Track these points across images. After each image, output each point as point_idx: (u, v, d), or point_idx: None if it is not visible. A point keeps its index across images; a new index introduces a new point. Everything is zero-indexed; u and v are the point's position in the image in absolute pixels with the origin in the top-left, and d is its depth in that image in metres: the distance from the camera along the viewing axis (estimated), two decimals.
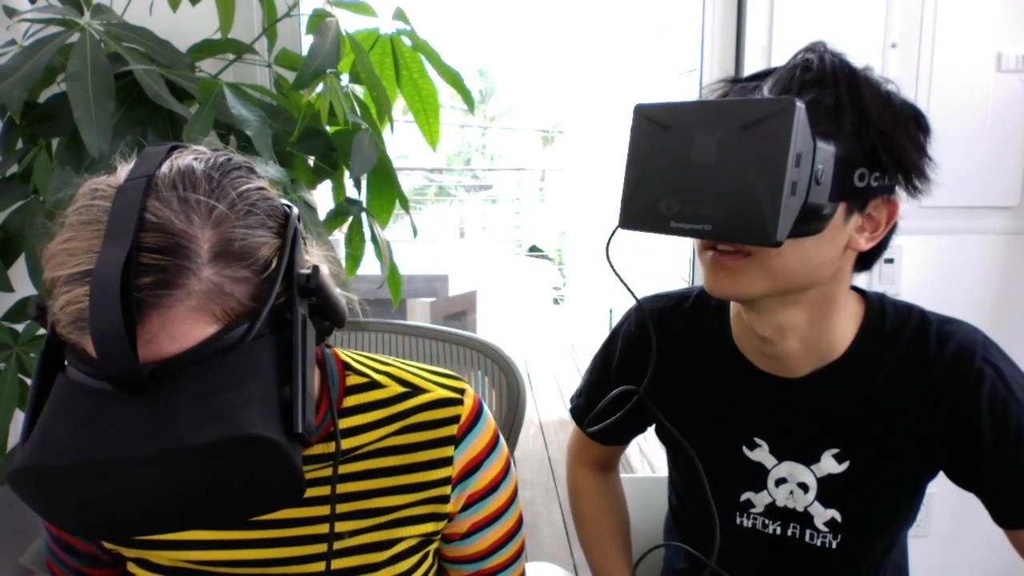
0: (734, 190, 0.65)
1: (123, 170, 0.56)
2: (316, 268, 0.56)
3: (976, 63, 1.59)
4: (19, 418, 1.29)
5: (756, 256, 0.73)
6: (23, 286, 1.25)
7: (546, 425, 3.70)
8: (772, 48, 1.58)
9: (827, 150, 0.68)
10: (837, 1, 1.56)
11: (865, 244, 0.77)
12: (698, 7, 1.74)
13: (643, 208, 0.71)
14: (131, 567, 0.72)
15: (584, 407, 1.04)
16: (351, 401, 0.71)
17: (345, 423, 0.70)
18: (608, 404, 0.99)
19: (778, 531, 0.88)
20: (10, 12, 1.32)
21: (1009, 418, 0.77)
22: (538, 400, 4.01)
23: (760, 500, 0.89)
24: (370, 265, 1.50)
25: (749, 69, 1.57)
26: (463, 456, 0.72)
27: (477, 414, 0.73)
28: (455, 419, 0.72)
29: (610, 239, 0.83)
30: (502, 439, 0.76)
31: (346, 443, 0.69)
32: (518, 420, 1.15)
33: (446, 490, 0.71)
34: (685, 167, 0.68)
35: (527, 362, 4.76)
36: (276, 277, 0.53)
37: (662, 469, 1.03)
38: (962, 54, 1.58)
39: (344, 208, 1.41)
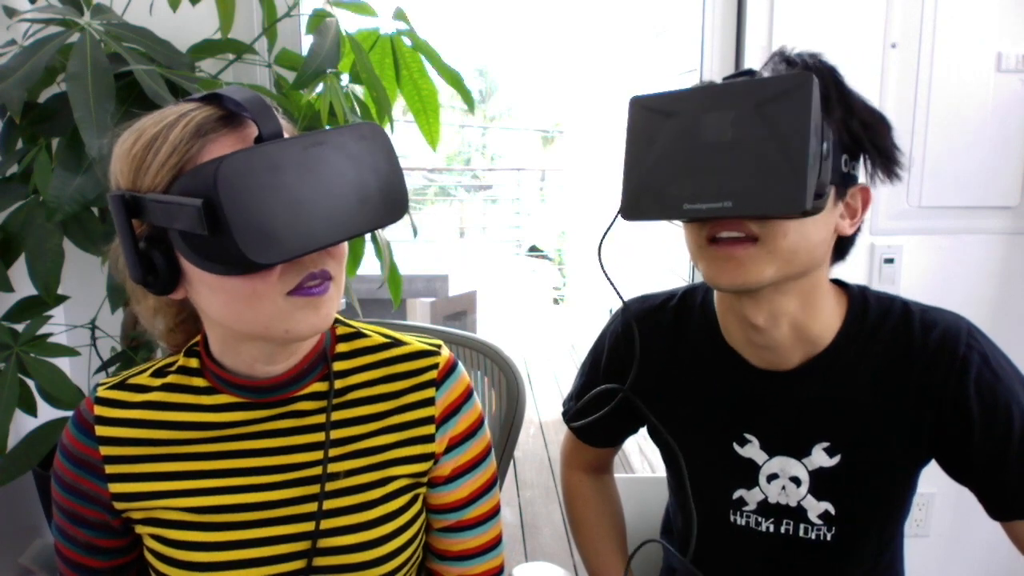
0: (756, 164, 0.66)
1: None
2: None
3: (976, 63, 1.59)
4: (19, 418, 1.29)
5: (763, 241, 0.74)
6: (23, 286, 1.25)
7: (546, 425, 3.70)
8: (772, 48, 1.57)
9: (828, 129, 0.72)
10: (837, 1, 1.56)
11: (848, 229, 0.81)
12: (698, 7, 1.74)
13: (649, 196, 0.71)
14: (140, 529, 0.75)
15: (575, 411, 1.05)
16: (342, 347, 0.79)
17: (338, 366, 0.78)
18: (593, 401, 0.99)
19: (771, 528, 0.88)
20: (10, 12, 1.32)
21: (998, 402, 0.78)
22: (538, 400, 4.01)
23: (752, 497, 0.89)
24: (370, 265, 1.50)
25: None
26: (444, 398, 0.79)
27: (453, 364, 0.81)
28: (434, 366, 0.79)
29: (603, 237, 0.84)
30: (476, 396, 0.83)
31: (340, 383, 0.77)
32: (518, 420, 1.15)
33: (430, 429, 0.78)
34: (695, 149, 0.69)
35: (527, 362, 4.76)
36: None
37: (661, 469, 1.03)
38: (962, 54, 1.58)
39: None
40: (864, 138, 0.76)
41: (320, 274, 0.65)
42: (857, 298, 0.85)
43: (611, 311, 1.05)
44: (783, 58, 0.79)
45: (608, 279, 0.86)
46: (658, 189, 0.70)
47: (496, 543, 0.84)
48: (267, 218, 0.58)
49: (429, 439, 0.78)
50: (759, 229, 0.73)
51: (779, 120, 0.66)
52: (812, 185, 0.66)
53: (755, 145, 0.67)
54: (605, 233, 0.83)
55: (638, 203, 0.72)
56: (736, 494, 0.89)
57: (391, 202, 0.66)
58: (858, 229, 0.83)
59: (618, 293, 0.89)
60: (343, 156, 0.63)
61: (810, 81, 0.65)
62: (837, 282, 0.87)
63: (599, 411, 0.98)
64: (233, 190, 0.57)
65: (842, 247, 0.84)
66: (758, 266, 0.74)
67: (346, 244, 0.69)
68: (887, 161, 0.79)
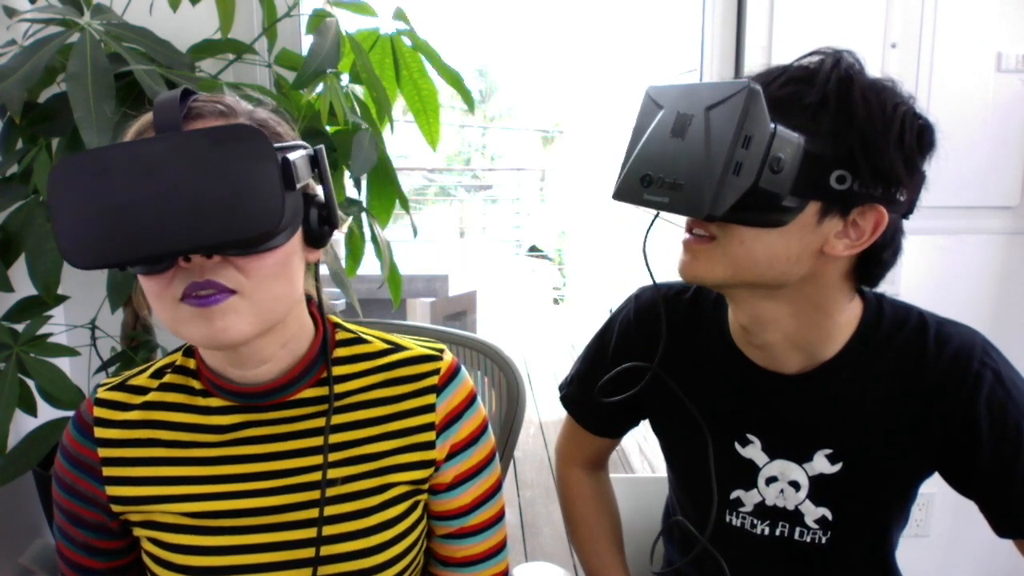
0: (690, 166, 0.69)
1: None
2: None
3: (976, 63, 1.59)
4: (19, 418, 1.29)
5: (719, 241, 0.75)
6: (23, 286, 1.25)
7: (546, 425, 3.69)
8: (772, 48, 1.58)
9: (791, 140, 0.68)
10: (837, 1, 1.56)
11: (843, 251, 0.74)
12: (698, 7, 1.74)
13: (632, 181, 0.76)
14: (137, 532, 0.75)
15: (576, 395, 1.03)
16: (341, 352, 0.78)
17: (337, 371, 0.77)
18: (614, 378, 0.95)
19: (766, 531, 0.88)
20: (10, 12, 1.32)
21: (1008, 421, 0.77)
22: (538, 400, 4.01)
23: (749, 499, 0.89)
24: (370, 265, 1.50)
25: (749, 69, 1.57)
26: (445, 404, 0.77)
27: (456, 369, 0.80)
28: (435, 372, 0.78)
29: (648, 231, 0.85)
30: (479, 400, 0.81)
31: (338, 388, 0.76)
32: (518, 420, 1.15)
33: (431, 435, 0.76)
34: (663, 143, 0.73)
35: (527, 362, 4.75)
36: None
37: (661, 469, 1.03)
38: (962, 54, 1.58)
39: (344, 208, 1.41)
40: (858, 153, 0.70)
41: (207, 284, 0.60)
42: (872, 308, 0.83)
43: (611, 310, 1.04)
44: (815, 52, 0.76)
45: (648, 267, 0.88)
46: (637, 176, 0.75)
47: (500, 548, 0.83)
48: (85, 221, 0.58)
49: (429, 446, 0.76)
50: (716, 230, 0.75)
51: (714, 126, 0.68)
52: (727, 195, 0.67)
53: (696, 147, 0.69)
54: (650, 226, 0.86)
55: (624, 187, 0.77)
56: (733, 494, 0.89)
57: (247, 215, 0.58)
58: (876, 255, 0.76)
59: (654, 281, 0.91)
60: (185, 161, 0.58)
61: (742, 91, 0.66)
62: (858, 290, 0.84)
63: (611, 391, 0.95)
64: (59, 192, 0.58)
65: (866, 271, 0.78)
66: (706, 264, 0.76)
67: (271, 256, 0.63)
68: (884, 182, 0.71)
